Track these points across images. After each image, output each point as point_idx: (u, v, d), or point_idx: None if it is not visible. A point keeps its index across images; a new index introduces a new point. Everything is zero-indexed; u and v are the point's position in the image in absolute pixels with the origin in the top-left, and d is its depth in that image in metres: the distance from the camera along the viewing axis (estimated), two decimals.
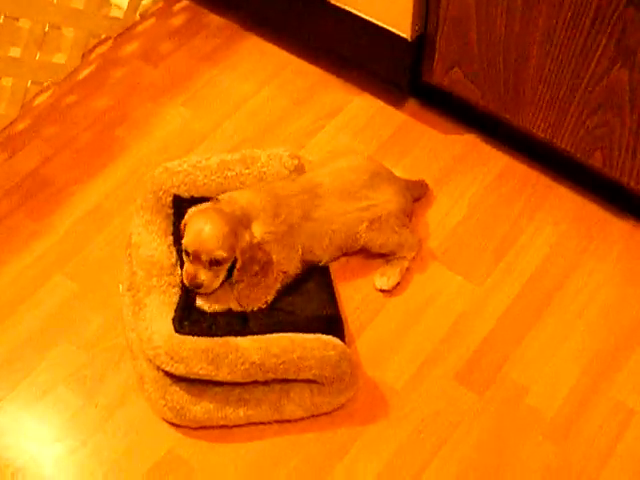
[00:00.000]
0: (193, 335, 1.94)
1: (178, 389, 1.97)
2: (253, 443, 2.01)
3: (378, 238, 2.19)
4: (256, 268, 2.04)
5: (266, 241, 2.06)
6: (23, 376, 2.10)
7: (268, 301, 2.08)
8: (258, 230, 2.06)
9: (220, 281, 2.05)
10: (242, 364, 1.90)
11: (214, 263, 2.00)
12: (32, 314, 2.21)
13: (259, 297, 2.07)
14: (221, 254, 1.99)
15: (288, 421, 2.02)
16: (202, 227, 1.99)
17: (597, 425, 2.03)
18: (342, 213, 2.16)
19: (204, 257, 1.99)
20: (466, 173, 2.46)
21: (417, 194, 2.37)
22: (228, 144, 2.53)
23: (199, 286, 2.02)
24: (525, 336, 2.17)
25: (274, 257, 2.07)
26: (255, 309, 2.06)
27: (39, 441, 2.02)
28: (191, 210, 2.09)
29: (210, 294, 2.05)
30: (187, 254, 2.02)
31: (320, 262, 2.18)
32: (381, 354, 2.14)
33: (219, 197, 2.14)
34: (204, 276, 2.01)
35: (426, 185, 2.40)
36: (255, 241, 2.04)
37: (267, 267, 2.06)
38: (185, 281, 2.03)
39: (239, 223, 2.03)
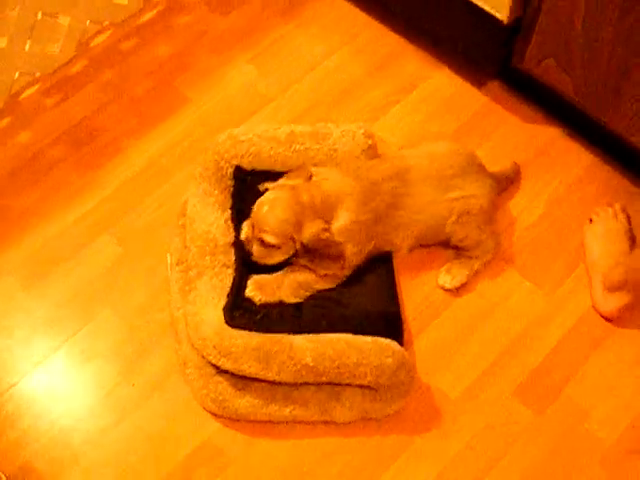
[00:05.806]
0: (244, 328, 1.83)
1: (222, 380, 1.87)
2: (296, 441, 1.91)
3: (462, 231, 2.05)
4: (325, 258, 1.93)
5: (349, 230, 1.94)
6: (61, 342, 2.01)
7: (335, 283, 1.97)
8: (343, 219, 1.94)
9: (274, 260, 1.94)
10: (294, 365, 1.79)
11: (262, 242, 1.91)
12: (75, 274, 2.11)
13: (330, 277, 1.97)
14: (268, 238, 1.89)
15: (335, 422, 1.92)
16: (265, 205, 1.91)
17: None
18: (432, 202, 2.02)
19: (256, 233, 1.91)
20: (547, 169, 2.30)
21: (501, 188, 2.21)
22: (295, 110, 2.38)
23: (250, 253, 1.94)
24: (591, 355, 2.04)
25: (347, 252, 1.94)
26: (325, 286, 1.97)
27: (70, 415, 1.93)
28: (274, 184, 1.98)
29: (263, 284, 1.93)
30: None
31: (394, 252, 2.06)
32: (439, 359, 2.03)
33: (313, 170, 2.01)
34: (255, 247, 1.93)
35: (514, 176, 2.26)
36: (325, 236, 1.90)
37: (337, 260, 1.94)
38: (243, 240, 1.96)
39: (311, 213, 1.91)
